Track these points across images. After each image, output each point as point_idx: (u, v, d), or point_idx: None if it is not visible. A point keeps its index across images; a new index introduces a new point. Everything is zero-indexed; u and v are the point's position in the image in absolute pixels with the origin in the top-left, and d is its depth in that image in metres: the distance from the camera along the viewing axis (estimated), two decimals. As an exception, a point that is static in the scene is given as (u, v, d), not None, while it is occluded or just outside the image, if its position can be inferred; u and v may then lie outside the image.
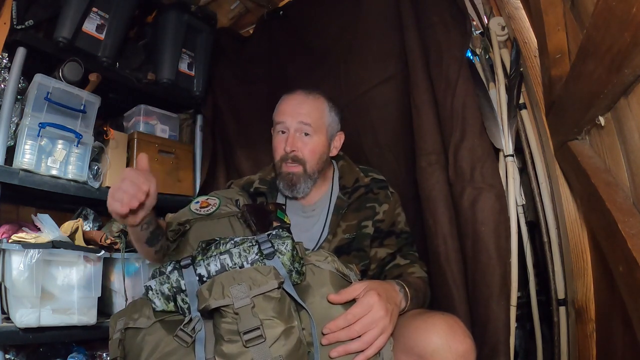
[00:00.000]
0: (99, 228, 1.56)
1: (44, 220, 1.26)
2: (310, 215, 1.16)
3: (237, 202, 0.97)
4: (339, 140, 1.20)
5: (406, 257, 1.08)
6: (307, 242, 1.08)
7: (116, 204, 0.78)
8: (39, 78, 1.27)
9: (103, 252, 1.31)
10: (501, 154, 1.20)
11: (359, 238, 1.09)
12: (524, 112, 1.21)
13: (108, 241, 1.37)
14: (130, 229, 0.89)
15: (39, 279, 1.16)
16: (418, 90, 1.26)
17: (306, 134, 1.11)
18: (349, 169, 1.19)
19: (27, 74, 1.30)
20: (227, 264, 0.76)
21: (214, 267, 0.76)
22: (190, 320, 0.72)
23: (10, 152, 1.25)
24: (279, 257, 0.77)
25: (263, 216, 0.88)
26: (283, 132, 1.12)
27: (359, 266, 1.07)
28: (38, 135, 1.26)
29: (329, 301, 0.77)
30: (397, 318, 0.83)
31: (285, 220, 0.91)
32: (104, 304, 1.41)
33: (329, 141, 1.16)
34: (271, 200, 1.17)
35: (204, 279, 0.76)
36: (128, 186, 0.78)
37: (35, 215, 1.30)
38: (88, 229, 1.53)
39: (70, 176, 1.35)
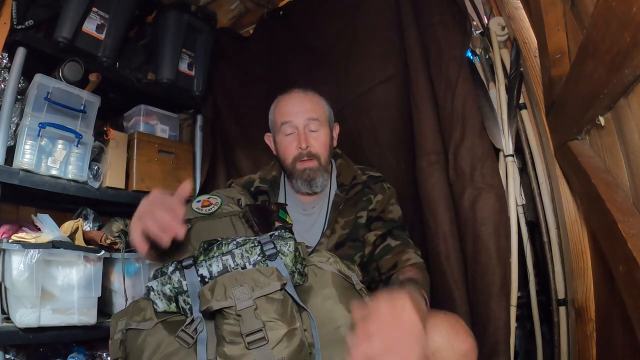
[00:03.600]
0: (99, 228, 1.56)
1: (44, 220, 1.26)
2: (311, 213, 1.16)
3: (239, 201, 0.97)
4: (336, 130, 1.24)
5: (397, 239, 1.06)
6: (309, 240, 1.08)
7: (153, 227, 0.72)
8: (39, 78, 1.27)
9: (103, 252, 1.31)
10: (501, 153, 1.20)
11: (354, 229, 1.10)
12: (524, 112, 1.21)
13: (108, 241, 1.37)
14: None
15: (39, 279, 1.16)
16: (418, 90, 1.26)
17: (314, 129, 1.12)
18: (347, 167, 1.20)
19: (27, 74, 1.30)
20: (230, 265, 0.76)
21: (216, 268, 0.76)
22: (192, 321, 0.72)
23: (10, 152, 1.24)
24: (281, 258, 0.76)
25: (265, 216, 0.88)
26: (290, 133, 1.13)
27: (357, 257, 1.08)
28: (38, 135, 1.26)
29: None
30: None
31: (287, 220, 0.91)
32: (104, 304, 1.40)
33: (331, 132, 1.19)
34: (273, 199, 1.17)
35: (206, 279, 0.76)
36: (163, 213, 0.73)
37: (35, 215, 1.30)
38: (88, 229, 1.53)
39: (70, 176, 1.35)
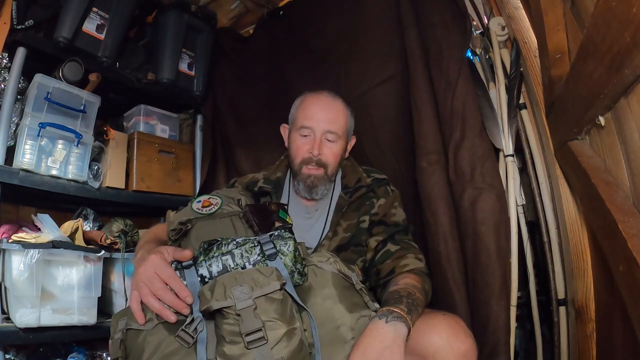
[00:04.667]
0: (99, 228, 1.56)
1: (44, 220, 1.26)
2: (312, 216, 1.16)
3: (239, 201, 0.97)
4: (351, 143, 1.23)
5: (397, 244, 1.05)
6: (309, 242, 1.08)
7: (156, 305, 0.74)
8: (39, 78, 1.27)
9: (103, 252, 1.31)
10: (501, 153, 1.20)
11: (357, 233, 1.10)
12: (524, 112, 1.21)
13: (108, 241, 1.37)
14: None
15: (39, 279, 1.16)
16: (418, 90, 1.26)
17: (331, 140, 1.12)
18: (352, 169, 1.20)
19: (27, 74, 1.30)
20: (229, 265, 0.76)
21: (215, 267, 0.76)
22: (192, 320, 0.72)
23: (10, 152, 1.25)
24: (281, 258, 0.76)
25: (265, 216, 0.88)
26: (306, 135, 1.13)
27: (359, 262, 1.07)
28: (38, 135, 1.26)
29: None
30: (401, 347, 0.74)
31: (288, 220, 0.91)
32: (104, 304, 1.41)
33: (346, 145, 1.19)
34: (275, 200, 1.17)
35: (206, 279, 0.76)
36: (165, 293, 0.74)
37: (35, 215, 1.30)
38: (88, 229, 1.53)
39: (70, 176, 1.35)
